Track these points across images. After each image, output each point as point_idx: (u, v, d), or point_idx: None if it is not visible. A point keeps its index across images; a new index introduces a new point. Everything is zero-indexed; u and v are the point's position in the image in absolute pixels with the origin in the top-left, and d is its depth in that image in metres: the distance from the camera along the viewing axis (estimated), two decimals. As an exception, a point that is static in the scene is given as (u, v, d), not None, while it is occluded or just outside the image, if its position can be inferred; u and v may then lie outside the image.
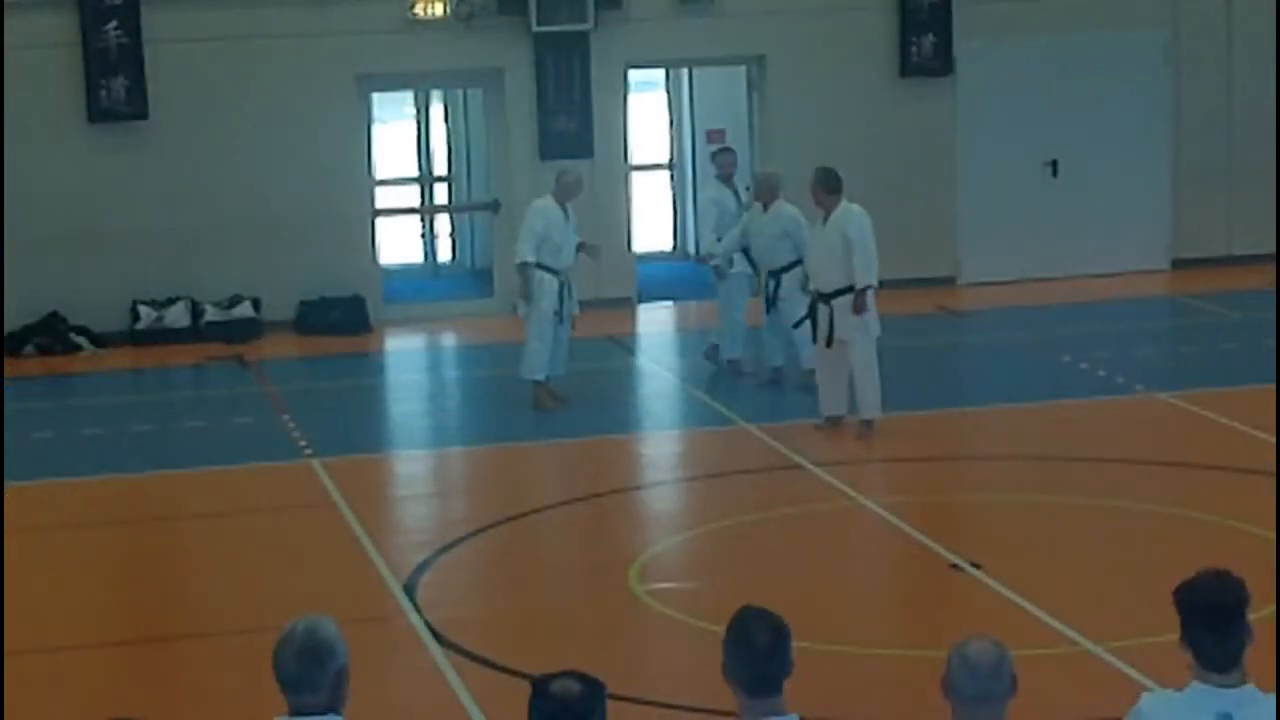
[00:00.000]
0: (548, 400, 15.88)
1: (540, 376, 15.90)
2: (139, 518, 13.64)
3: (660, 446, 15.11)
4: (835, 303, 14.59)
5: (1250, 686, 5.32)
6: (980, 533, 12.48)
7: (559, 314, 15.82)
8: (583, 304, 20.05)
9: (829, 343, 14.62)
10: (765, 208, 16.19)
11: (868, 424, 14.68)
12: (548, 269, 15.76)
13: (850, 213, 14.66)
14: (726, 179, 17.46)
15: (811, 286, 14.89)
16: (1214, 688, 5.29)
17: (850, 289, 14.52)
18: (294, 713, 5.13)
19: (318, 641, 5.12)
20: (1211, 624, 5.27)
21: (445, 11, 19.90)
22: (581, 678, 4.78)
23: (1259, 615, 5.40)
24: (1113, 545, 11.79)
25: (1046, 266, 20.93)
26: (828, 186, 14.73)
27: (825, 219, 14.74)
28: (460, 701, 9.47)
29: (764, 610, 5.19)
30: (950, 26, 20.57)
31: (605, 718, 4.78)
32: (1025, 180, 21.10)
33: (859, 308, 14.49)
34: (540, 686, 4.76)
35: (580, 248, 16.17)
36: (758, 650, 5.07)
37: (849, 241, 14.51)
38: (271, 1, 19.64)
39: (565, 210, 15.87)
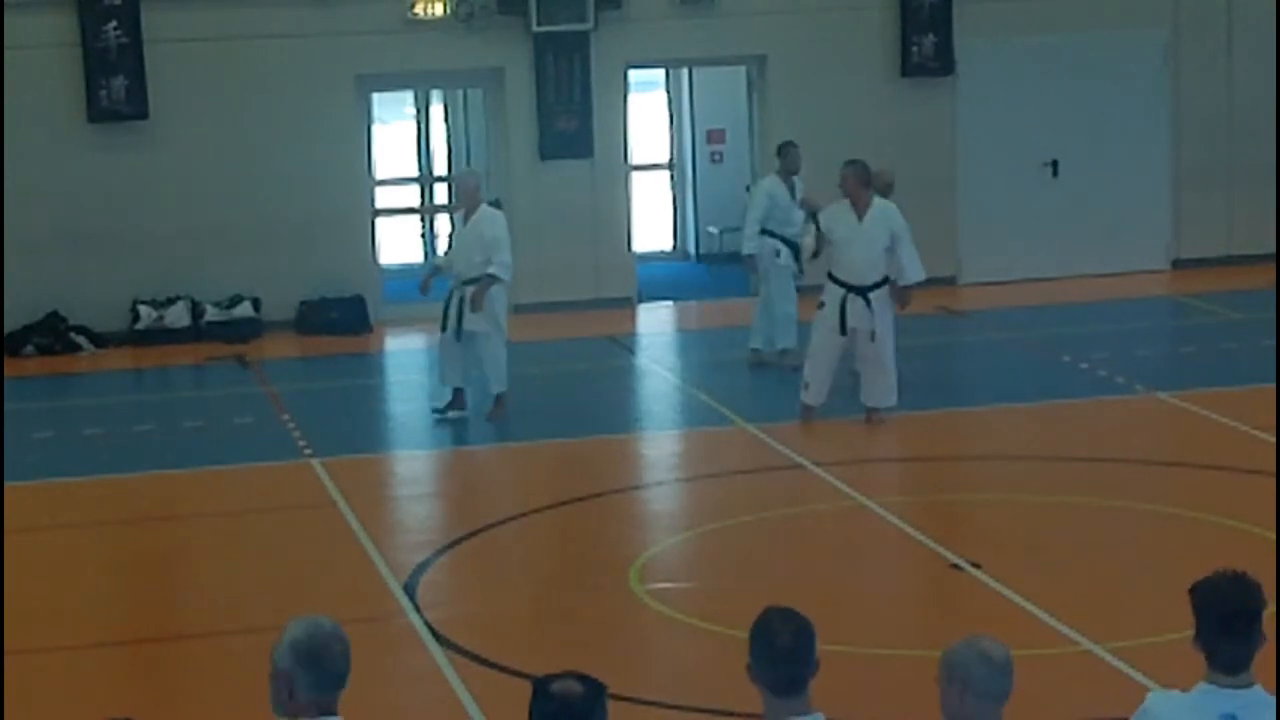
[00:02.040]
0: (454, 409, 15.68)
1: (444, 385, 15.76)
2: (139, 518, 13.63)
3: (660, 446, 15.10)
4: (874, 295, 14.80)
5: (1257, 688, 5.32)
6: (980, 533, 12.47)
7: (443, 323, 15.58)
8: (583, 304, 20.20)
9: (843, 331, 14.82)
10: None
11: (879, 411, 15.00)
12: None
13: (889, 208, 14.95)
14: (788, 174, 17.32)
15: (844, 279, 14.86)
16: (1221, 688, 5.29)
17: (884, 281, 14.83)
18: (323, 713, 5.10)
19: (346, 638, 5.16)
20: (1229, 627, 5.26)
21: (445, 11, 19.90)
22: (583, 678, 4.77)
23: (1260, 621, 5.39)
24: (1113, 545, 11.79)
25: (1046, 266, 20.93)
26: (865, 180, 14.83)
27: (862, 214, 14.82)
28: (460, 701, 9.47)
29: (788, 610, 5.19)
30: (950, 26, 20.57)
31: (606, 718, 4.77)
32: (1025, 180, 21.11)
33: (908, 300, 15.00)
34: (541, 687, 4.76)
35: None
36: (781, 650, 5.08)
37: (895, 237, 14.79)
38: (271, 1, 19.64)
39: (465, 219, 15.59)
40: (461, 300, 15.36)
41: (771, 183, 17.16)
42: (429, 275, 16.00)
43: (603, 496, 13.41)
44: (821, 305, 14.98)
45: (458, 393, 15.69)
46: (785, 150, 17.41)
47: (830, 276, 14.98)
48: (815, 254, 15.50)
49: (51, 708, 9.69)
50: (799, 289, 17.22)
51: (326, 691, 5.09)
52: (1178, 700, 5.36)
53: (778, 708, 5.11)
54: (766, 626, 5.13)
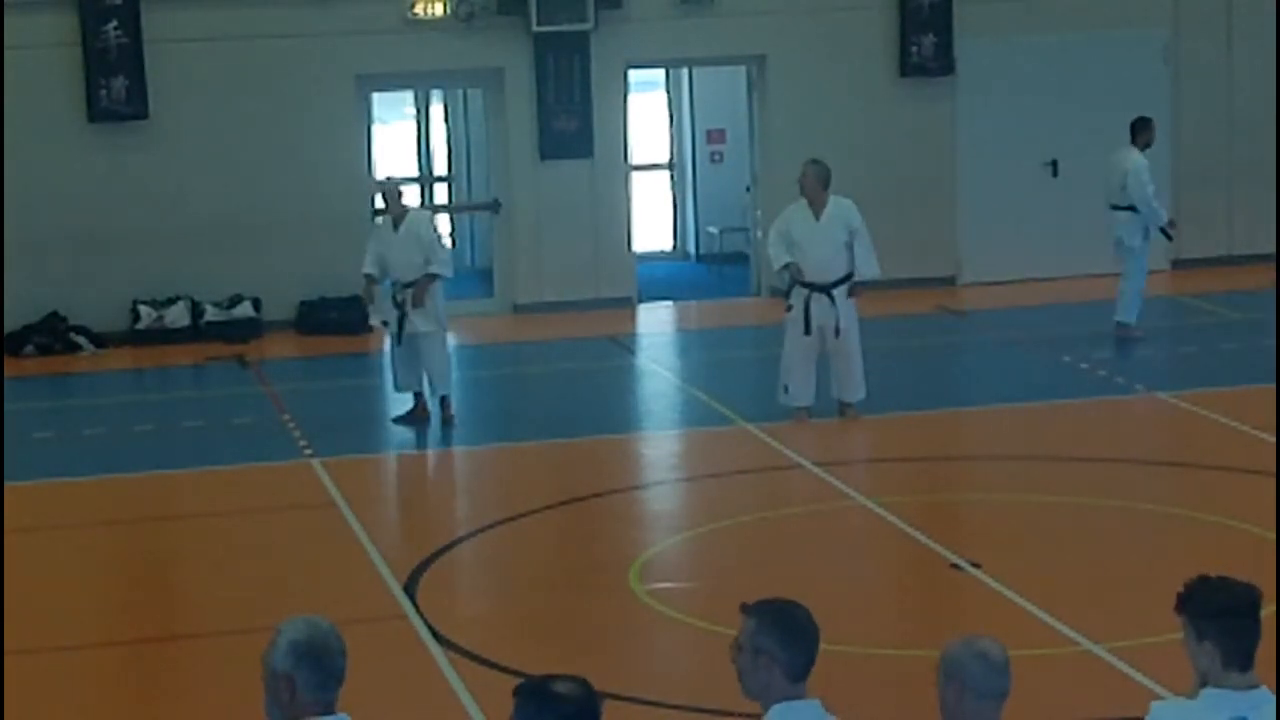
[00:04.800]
0: (419, 415, 15.63)
1: (400, 391, 15.78)
2: (139, 518, 13.64)
3: (660, 446, 15.10)
4: (837, 291, 14.92)
5: (1263, 688, 5.27)
6: (980, 533, 12.47)
7: (386, 326, 15.70)
8: (583, 304, 20.21)
9: (808, 330, 14.87)
10: None
11: (851, 406, 15.14)
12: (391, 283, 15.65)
13: (846, 205, 15.10)
14: (1144, 147, 17.71)
15: (806, 279, 14.93)
16: (1228, 691, 5.22)
17: (848, 277, 14.94)
18: (325, 711, 5.11)
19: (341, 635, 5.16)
20: (1249, 619, 5.23)
21: (445, 11, 19.90)
22: (566, 677, 4.73)
23: (1261, 615, 5.39)
24: (1112, 545, 11.79)
25: (1046, 266, 20.92)
26: (825, 180, 14.95)
27: (819, 213, 14.93)
28: (460, 701, 9.47)
29: (787, 599, 5.27)
30: (950, 26, 20.57)
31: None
32: (1025, 180, 21.10)
33: (858, 294, 15.05)
34: (540, 693, 4.68)
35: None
36: (812, 636, 5.19)
37: (853, 233, 14.92)
38: (271, 1, 19.64)
39: (395, 225, 15.54)
40: (403, 303, 15.42)
41: (1141, 157, 17.63)
42: (370, 287, 15.76)
43: (603, 496, 13.41)
44: (789, 308, 15.06)
45: (418, 398, 15.69)
46: (1146, 124, 17.80)
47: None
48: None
49: (51, 708, 9.69)
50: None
51: (329, 690, 5.10)
52: (1185, 708, 5.30)
53: (791, 693, 5.14)
54: (787, 615, 5.21)
